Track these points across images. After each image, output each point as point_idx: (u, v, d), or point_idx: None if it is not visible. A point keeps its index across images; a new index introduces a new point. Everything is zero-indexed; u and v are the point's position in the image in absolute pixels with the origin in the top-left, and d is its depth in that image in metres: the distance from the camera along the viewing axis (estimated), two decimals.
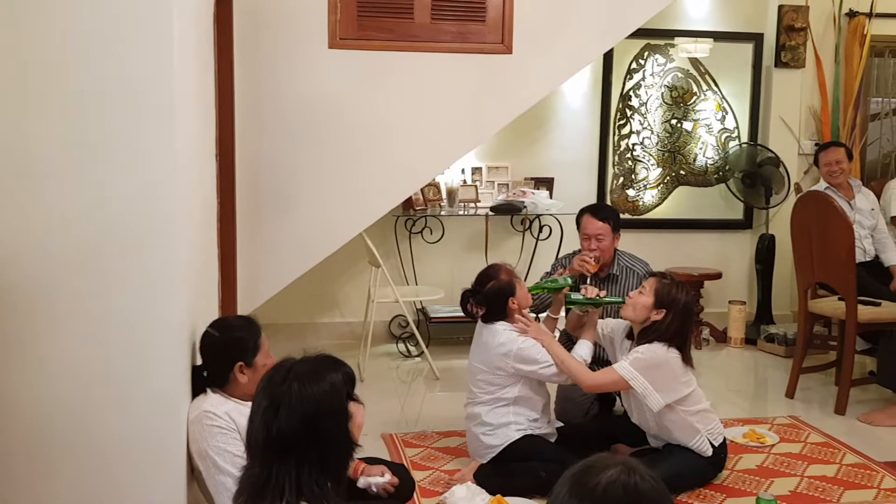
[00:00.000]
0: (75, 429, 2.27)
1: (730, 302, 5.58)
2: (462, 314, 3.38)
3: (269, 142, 4.11)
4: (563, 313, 3.50)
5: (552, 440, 3.29)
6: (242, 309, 4.04)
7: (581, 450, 3.35)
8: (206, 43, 3.10)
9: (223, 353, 2.45)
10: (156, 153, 2.24)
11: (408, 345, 5.12)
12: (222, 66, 3.55)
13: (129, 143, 2.23)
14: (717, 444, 3.16)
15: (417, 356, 5.03)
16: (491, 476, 3.10)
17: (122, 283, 2.25)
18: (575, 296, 3.30)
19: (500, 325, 3.24)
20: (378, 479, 2.56)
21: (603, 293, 3.32)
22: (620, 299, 3.30)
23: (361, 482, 2.56)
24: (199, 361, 2.55)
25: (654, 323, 3.08)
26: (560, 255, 4.09)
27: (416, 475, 3.25)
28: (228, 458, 2.31)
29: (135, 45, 2.21)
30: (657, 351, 3.05)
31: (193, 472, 2.45)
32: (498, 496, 2.94)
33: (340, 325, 5.45)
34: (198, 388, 2.48)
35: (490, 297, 3.22)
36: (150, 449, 2.34)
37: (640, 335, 3.13)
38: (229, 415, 2.37)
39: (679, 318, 3.07)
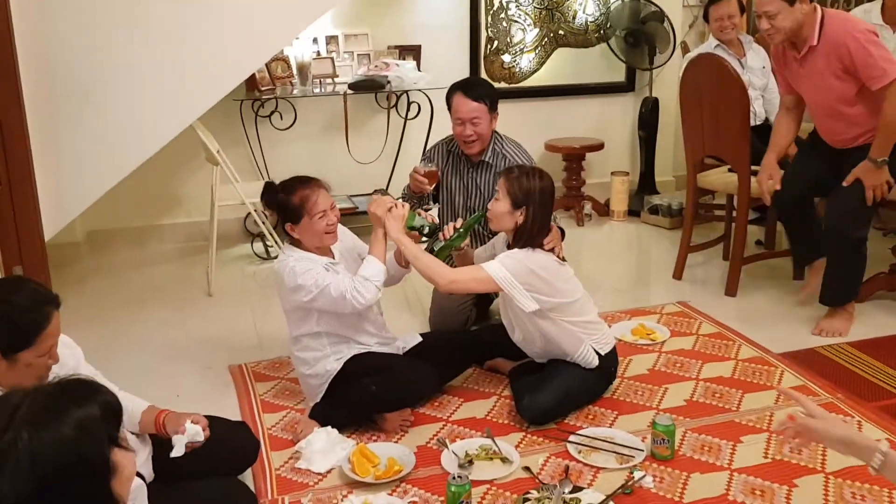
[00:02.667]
0: None
1: (612, 173, 5.23)
2: None
3: (61, 21, 3.27)
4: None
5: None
6: (49, 229, 3.35)
7: (458, 365, 3.01)
8: None
9: None
10: None
11: (265, 244, 4.54)
12: None
13: None
14: (604, 354, 2.81)
15: (277, 257, 4.45)
16: (326, 413, 2.68)
17: None
18: (438, 244, 2.79)
19: (285, 248, 2.74)
20: (184, 437, 2.05)
21: (459, 222, 2.84)
22: (481, 213, 2.87)
23: (175, 449, 2.04)
24: None
25: (521, 226, 2.68)
26: (429, 147, 3.53)
27: (267, 419, 2.79)
28: None
29: None
30: (534, 256, 2.67)
31: None
32: (360, 445, 2.50)
33: (187, 225, 4.80)
34: None
35: (279, 206, 2.67)
36: None
37: (515, 240, 2.73)
38: None
39: (542, 208, 2.69)
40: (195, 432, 2.06)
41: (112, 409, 1.25)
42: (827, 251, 3.44)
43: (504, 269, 2.62)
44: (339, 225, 2.86)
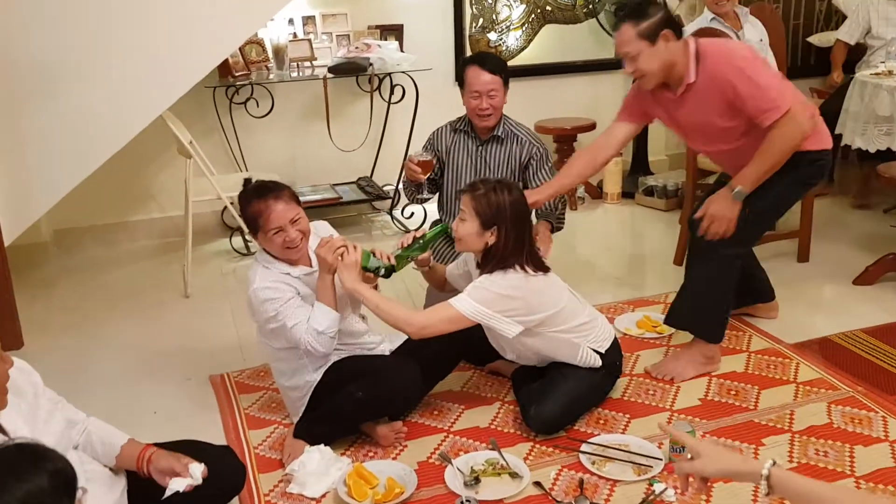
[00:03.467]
0: None
1: None
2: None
3: (20, 12, 3.03)
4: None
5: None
6: (9, 230, 3.12)
7: (448, 362, 2.77)
8: None
9: None
10: None
11: (244, 238, 4.31)
12: None
13: None
14: (604, 351, 2.62)
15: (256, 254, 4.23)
16: (312, 431, 2.47)
17: None
18: (395, 252, 2.56)
19: (258, 254, 2.54)
20: (181, 482, 1.85)
21: (420, 233, 2.63)
22: (442, 226, 2.68)
23: (169, 490, 1.84)
24: None
25: (493, 246, 2.45)
26: (432, 133, 3.31)
27: (253, 437, 2.58)
28: None
29: None
30: (504, 279, 2.43)
31: None
32: (357, 465, 2.31)
33: (160, 221, 4.55)
34: None
35: (242, 212, 2.49)
36: None
37: (484, 262, 2.49)
38: None
39: (515, 226, 2.44)
40: (198, 473, 1.86)
41: (63, 478, 1.05)
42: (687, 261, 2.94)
43: (474, 303, 2.39)
44: (327, 226, 2.66)
